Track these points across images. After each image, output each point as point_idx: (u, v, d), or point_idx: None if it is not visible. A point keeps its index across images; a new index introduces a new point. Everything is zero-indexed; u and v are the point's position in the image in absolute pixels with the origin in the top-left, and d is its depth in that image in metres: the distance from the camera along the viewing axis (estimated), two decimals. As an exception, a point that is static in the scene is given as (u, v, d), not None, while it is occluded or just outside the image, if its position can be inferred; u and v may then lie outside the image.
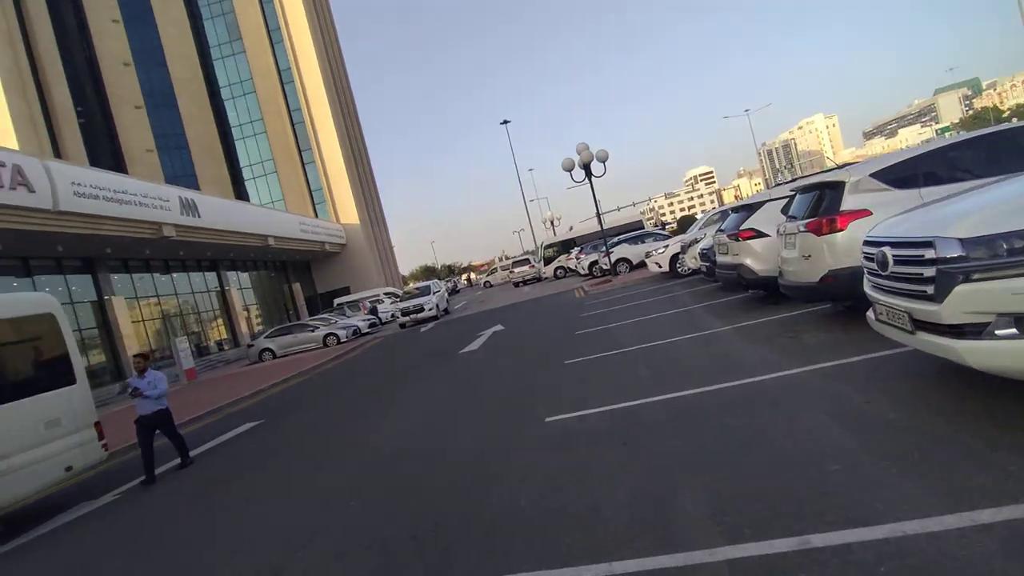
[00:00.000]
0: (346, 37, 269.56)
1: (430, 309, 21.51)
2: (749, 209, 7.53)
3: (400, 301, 22.83)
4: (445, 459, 4.89)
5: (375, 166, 55.79)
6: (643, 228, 31.27)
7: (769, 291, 7.48)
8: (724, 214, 11.98)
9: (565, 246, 33.68)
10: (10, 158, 15.72)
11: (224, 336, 31.20)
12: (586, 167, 19.69)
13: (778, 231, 6.38)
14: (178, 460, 7.09)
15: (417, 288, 24.37)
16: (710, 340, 6.77)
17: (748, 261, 7.10)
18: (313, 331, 21.08)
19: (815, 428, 3.49)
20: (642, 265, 19.85)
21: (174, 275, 28.07)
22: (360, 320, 23.50)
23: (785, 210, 6.53)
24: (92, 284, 22.43)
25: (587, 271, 24.74)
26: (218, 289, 31.62)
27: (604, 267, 22.42)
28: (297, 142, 43.60)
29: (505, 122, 46.16)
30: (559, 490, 3.54)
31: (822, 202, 5.51)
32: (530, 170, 75.12)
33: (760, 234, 7.19)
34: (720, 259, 8.22)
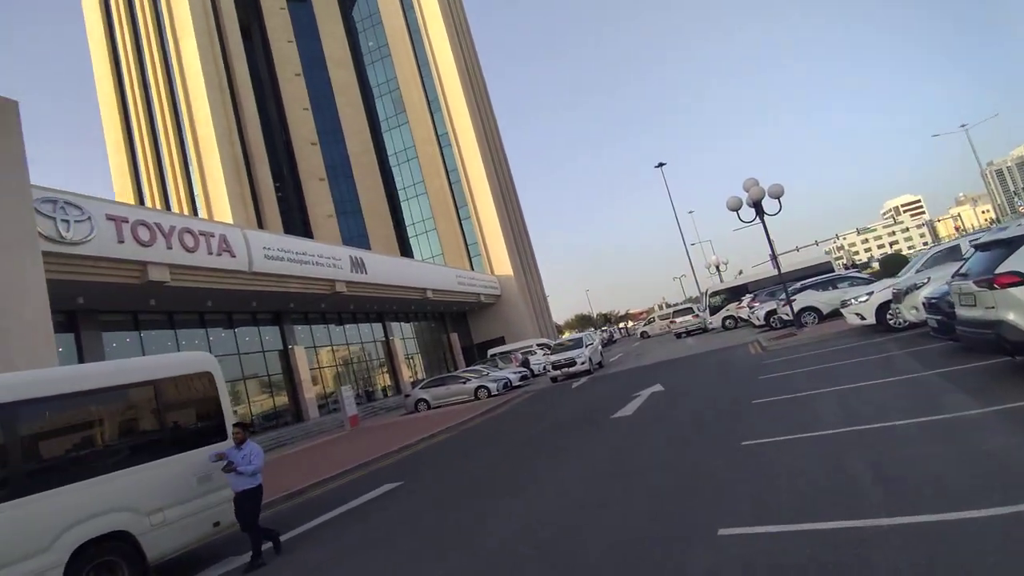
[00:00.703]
0: (496, 86, 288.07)
1: (582, 363, 20.50)
2: (1005, 245, 5.51)
3: (551, 353, 22.16)
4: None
5: (527, 215, 57.34)
6: (833, 271, 27.24)
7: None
8: (953, 251, 9.46)
9: (734, 293, 30.55)
10: (217, 229, 18.21)
11: (388, 383, 33.07)
12: (756, 205, 17.41)
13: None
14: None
15: (570, 340, 23.56)
16: (960, 429, 4.87)
17: (1012, 316, 5.09)
18: (465, 383, 21.19)
19: None
20: (835, 315, 16.75)
21: (346, 326, 30.58)
22: (511, 372, 23.23)
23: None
24: (279, 335, 25.11)
25: (763, 322, 21.63)
26: (383, 339, 33.86)
27: (785, 317, 19.44)
28: (454, 200, 46.32)
29: (660, 165, 44.56)
30: None
31: None
32: (690, 212, 72.04)
33: (1029, 280, 5.15)
34: (963, 312, 6.12)
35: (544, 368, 24.03)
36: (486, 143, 48.24)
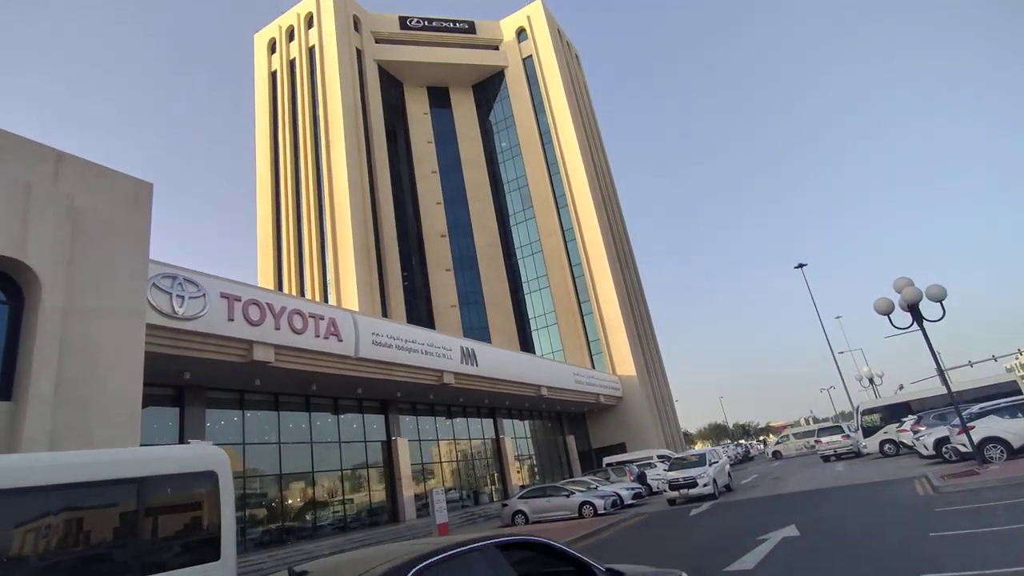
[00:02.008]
0: (625, 188, 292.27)
1: (704, 485, 17.01)
2: None
3: (670, 469, 18.88)
4: None
5: (655, 316, 54.31)
6: (1021, 392, 21.85)
7: None
8: None
9: (893, 412, 25.51)
10: (327, 312, 18.26)
11: (495, 486, 30.83)
12: (912, 309, 14.12)
13: None
14: None
15: (693, 455, 20.10)
16: None
17: None
18: (569, 497, 18.47)
19: None
20: (1029, 450, 12.82)
21: (454, 420, 29.38)
22: (624, 488, 20.09)
23: None
24: (384, 424, 24.44)
25: (932, 452, 17.58)
26: (494, 437, 32.09)
27: (962, 448, 15.26)
28: (577, 295, 45.10)
29: (800, 265, 40.31)
30: None
31: None
32: (837, 317, 63.03)
33: None
34: None
35: (660, 486, 20.62)
36: (611, 239, 47.29)
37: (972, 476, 12.17)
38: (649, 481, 23.06)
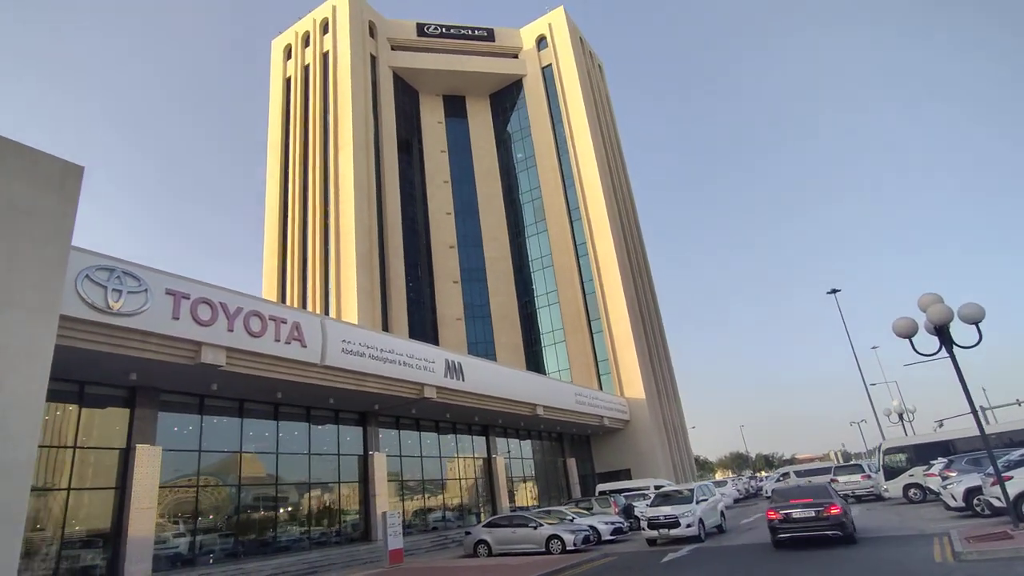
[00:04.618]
0: (644, 206, 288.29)
1: (688, 526, 15.23)
2: None
3: (651, 505, 17.15)
4: None
5: (672, 337, 52.28)
6: None
7: None
8: None
9: (923, 452, 22.88)
10: (291, 315, 17.35)
11: (483, 508, 29.42)
12: (940, 331, 12.04)
13: None
14: None
15: (684, 489, 18.24)
16: None
17: None
18: (536, 528, 16.95)
19: None
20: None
21: (442, 436, 28.16)
22: (603, 522, 18.52)
23: None
24: (361, 438, 23.37)
25: (961, 503, 15.21)
26: (485, 456, 30.75)
27: (996, 503, 13.07)
28: (587, 312, 43.64)
29: (834, 291, 38.10)
30: None
31: None
32: (874, 348, 59.18)
33: None
34: None
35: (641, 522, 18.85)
36: (626, 255, 45.74)
37: (1004, 540, 10.12)
38: (637, 514, 21.33)
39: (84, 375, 14.29)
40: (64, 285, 10.62)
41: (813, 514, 12.60)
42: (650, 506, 17.03)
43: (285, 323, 16.79)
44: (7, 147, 10.03)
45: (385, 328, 36.53)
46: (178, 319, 13.91)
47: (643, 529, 16.21)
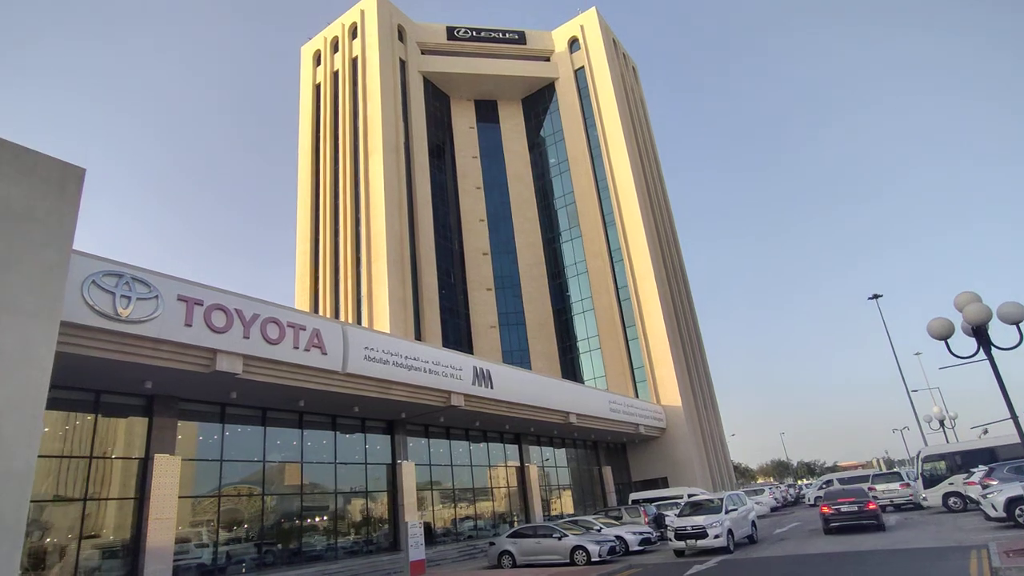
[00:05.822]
0: (683, 205, 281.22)
1: (716, 536, 14.23)
2: None
3: (679, 515, 16.10)
4: None
5: (709, 344, 50.24)
6: None
7: None
8: None
9: (965, 459, 21.65)
10: (311, 322, 16.99)
11: (516, 518, 28.58)
12: (978, 332, 10.78)
13: None
14: None
15: (715, 498, 17.14)
16: None
17: None
18: (560, 539, 16.07)
19: None
20: None
21: (473, 444, 27.53)
22: (632, 531, 17.45)
23: None
24: (389, 446, 22.95)
25: (1002, 513, 14.18)
26: (517, 464, 29.95)
27: None
28: (622, 319, 42.39)
29: (875, 296, 36.05)
30: None
31: None
32: (917, 354, 54.79)
33: None
34: None
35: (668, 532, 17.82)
36: (661, 260, 44.33)
37: (1049, 556, 9.11)
38: (666, 524, 20.16)
39: (99, 384, 14.21)
40: (65, 290, 10.37)
41: (856, 508, 16.66)
42: (678, 516, 16.07)
43: (304, 330, 16.43)
44: (3, 149, 9.90)
45: (418, 337, 36.22)
46: (191, 326, 13.65)
47: (671, 539, 15.22)
